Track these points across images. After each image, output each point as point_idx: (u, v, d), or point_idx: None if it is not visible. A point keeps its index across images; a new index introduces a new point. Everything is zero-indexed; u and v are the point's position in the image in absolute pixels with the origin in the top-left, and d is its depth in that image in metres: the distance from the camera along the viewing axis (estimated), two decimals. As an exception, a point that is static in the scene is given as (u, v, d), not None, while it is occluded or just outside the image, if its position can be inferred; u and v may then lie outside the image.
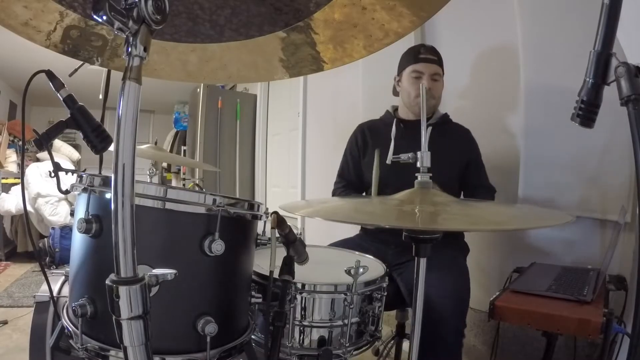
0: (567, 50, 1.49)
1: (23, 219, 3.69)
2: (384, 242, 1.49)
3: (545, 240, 1.67)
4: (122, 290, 0.48)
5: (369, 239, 1.54)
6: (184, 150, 5.02)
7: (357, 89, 2.54)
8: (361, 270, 0.91)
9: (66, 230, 3.38)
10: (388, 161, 1.51)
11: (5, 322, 2.22)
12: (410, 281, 1.31)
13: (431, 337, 0.80)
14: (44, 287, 1.05)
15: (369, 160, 1.61)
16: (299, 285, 0.94)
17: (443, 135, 1.50)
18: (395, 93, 1.66)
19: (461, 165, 1.53)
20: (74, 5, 0.72)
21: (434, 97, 1.55)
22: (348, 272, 0.91)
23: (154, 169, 1.89)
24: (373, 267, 1.09)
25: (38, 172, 3.73)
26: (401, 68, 1.59)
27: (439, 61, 1.54)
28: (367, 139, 1.64)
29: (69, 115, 0.87)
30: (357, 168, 1.65)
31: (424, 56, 1.52)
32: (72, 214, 0.85)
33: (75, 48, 0.81)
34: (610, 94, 0.66)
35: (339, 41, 0.77)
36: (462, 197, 1.57)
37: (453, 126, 1.61)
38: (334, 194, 1.69)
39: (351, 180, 1.67)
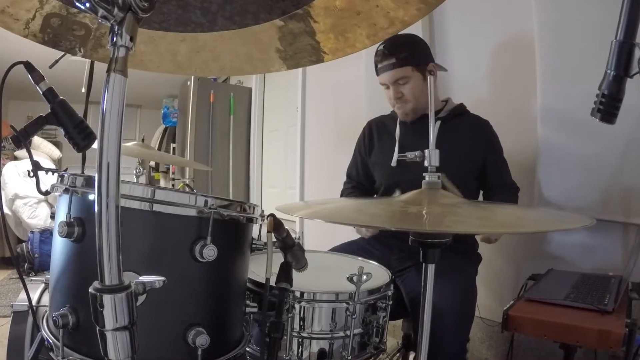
0: (586, 41, 1.49)
1: (-1, 222, 3.69)
2: (388, 246, 1.49)
3: (563, 245, 1.67)
4: (107, 299, 0.48)
5: (374, 243, 1.53)
6: (173, 148, 5.02)
7: (360, 81, 2.54)
8: (364, 277, 0.91)
9: (46, 234, 3.39)
10: (393, 163, 1.50)
11: (-20, 334, 2.22)
12: (412, 289, 1.33)
13: (430, 353, 0.80)
14: (22, 295, 1.05)
15: (375, 159, 1.61)
16: (298, 294, 0.95)
17: (455, 130, 1.47)
18: None
19: (477, 161, 1.49)
20: (55, -8, 0.72)
21: (409, 100, 1.48)
22: (350, 279, 0.91)
23: (141, 168, 1.89)
24: (377, 273, 1.10)
25: (16, 172, 3.73)
26: None
27: (399, 61, 1.44)
28: (373, 137, 1.64)
29: (49, 110, 0.87)
30: (365, 168, 1.65)
31: (380, 65, 1.47)
32: (52, 216, 0.85)
33: (56, 38, 0.81)
34: (633, 87, 0.66)
35: (340, 30, 0.77)
36: (480, 198, 1.56)
37: (469, 118, 1.56)
38: (342, 195, 1.69)
39: (360, 181, 1.67)
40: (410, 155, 0.91)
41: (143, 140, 2.30)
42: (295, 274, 0.91)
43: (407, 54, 1.45)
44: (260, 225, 0.92)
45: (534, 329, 1.06)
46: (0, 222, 0.91)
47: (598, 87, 0.67)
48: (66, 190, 0.77)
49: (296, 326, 0.95)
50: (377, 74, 1.52)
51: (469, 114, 1.57)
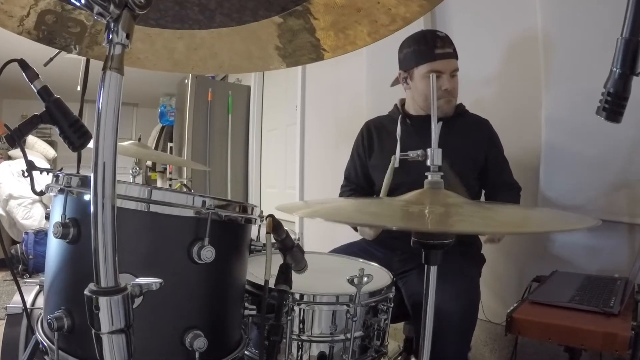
0: (591, 38, 1.49)
1: (-7, 223, 3.69)
2: (390, 248, 1.49)
3: (568, 246, 1.67)
4: (102, 301, 0.48)
5: (375, 244, 1.54)
6: (171, 148, 5.02)
7: (360, 80, 2.54)
8: (365, 279, 0.91)
9: (41, 235, 3.38)
10: (395, 164, 1.50)
11: (-27, 337, 2.22)
12: (414, 291, 1.33)
13: (431, 356, 0.80)
14: (17, 297, 1.05)
15: (375, 161, 1.61)
16: (297, 296, 0.94)
17: (456, 129, 1.48)
18: (394, 84, 1.63)
19: (478, 161, 1.51)
20: (50, -12, 0.72)
21: (455, 96, 1.49)
22: (351, 281, 0.91)
23: (138, 168, 1.89)
24: (378, 275, 1.10)
25: (10, 172, 3.73)
26: (410, 64, 1.49)
27: (455, 52, 1.47)
28: (372, 138, 1.63)
29: (44, 109, 0.87)
30: (365, 170, 1.65)
31: (441, 51, 1.42)
32: (47, 217, 0.85)
33: (51, 35, 0.81)
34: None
35: (340, 27, 0.77)
36: (483, 197, 1.57)
37: (469, 118, 1.57)
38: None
39: (359, 184, 1.66)
40: (412, 154, 0.91)
41: (139, 139, 2.31)
42: (294, 276, 0.91)
43: (456, 50, 1.47)
44: (259, 226, 0.92)
45: (539, 332, 1.06)
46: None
47: (603, 85, 0.67)
48: (61, 191, 0.77)
49: (296, 329, 0.95)
50: (433, 59, 1.43)
51: (468, 113, 1.58)
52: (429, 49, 1.43)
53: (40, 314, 0.87)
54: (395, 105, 1.64)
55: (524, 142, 1.77)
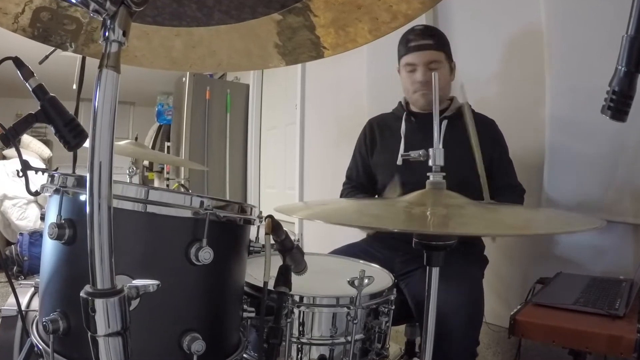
0: (596, 35, 1.49)
1: (-13, 224, 3.69)
2: (392, 249, 1.49)
3: (572, 247, 1.67)
4: (99, 303, 0.48)
5: (376, 245, 1.54)
6: (168, 147, 5.02)
7: (361, 78, 2.54)
8: (366, 281, 0.91)
9: (36, 236, 3.38)
10: (398, 161, 1.50)
11: (-33, 339, 2.21)
12: (418, 292, 1.33)
13: (438, 358, 0.80)
14: (11, 300, 1.05)
15: (378, 159, 1.61)
16: (297, 298, 0.94)
17: (461, 128, 1.48)
18: None
19: (482, 162, 1.50)
20: (45, -15, 0.72)
21: (430, 89, 1.51)
22: (351, 283, 0.91)
23: (134, 168, 1.89)
24: (379, 277, 1.09)
25: (4, 171, 3.73)
26: (398, 58, 1.56)
27: (436, 44, 1.47)
28: (375, 136, 1.64)
29: (39, 108, 0.87)
30: (367, 169, 1.65)
31: (414, 44, 1.45)
32: (42, 218, 0.85)
33: (46, 32, 0.81)
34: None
35: (341, 24, 0.77)
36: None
37: (474, 117, 1.57)
38: (342, 197, 1.69)
39: (361, 182, 1.67)
40: (414, 154, 0.91)
41: (136, 138, 2.31)
42: (294, 278, 0.91)
43: (444, 41, 1.50)
44: (258, 227, 0.92)
45: (542, 335, 1.06)
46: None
47: (608, 83, 0.67)
48: (57, 191, 0.77)
49: (295, 332, 0.95)
50: (406, 53, 1.49)
51: (474, 112, 1.58)
52: (405, 42, 1.49)
53: (36, 316, 0.87)
54: (400, 102, 1.64)
55: (527, 141, 1.77)
